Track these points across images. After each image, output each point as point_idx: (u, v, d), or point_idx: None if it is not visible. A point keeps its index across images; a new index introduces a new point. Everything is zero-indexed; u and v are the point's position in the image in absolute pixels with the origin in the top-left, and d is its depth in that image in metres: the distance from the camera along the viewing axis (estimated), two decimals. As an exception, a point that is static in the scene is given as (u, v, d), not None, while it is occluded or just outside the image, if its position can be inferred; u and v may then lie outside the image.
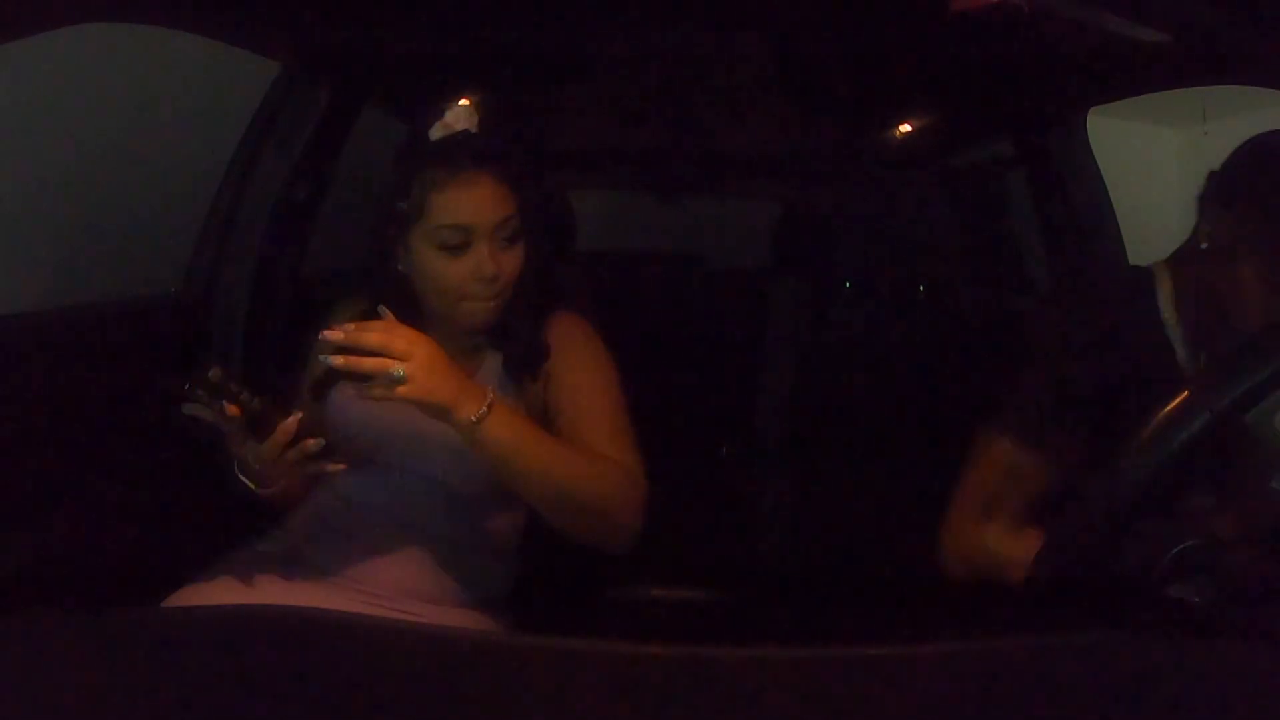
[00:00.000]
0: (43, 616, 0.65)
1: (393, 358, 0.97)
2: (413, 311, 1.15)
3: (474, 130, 1.14)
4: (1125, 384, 1.04)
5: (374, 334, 0.99)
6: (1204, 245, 1.04)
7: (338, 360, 0.98)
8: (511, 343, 1.19)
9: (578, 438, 1.13)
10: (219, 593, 1.15)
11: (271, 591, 1.15)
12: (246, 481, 1.12)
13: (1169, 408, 0.74)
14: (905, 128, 2.16)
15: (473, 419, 0.99)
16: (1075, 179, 1.67)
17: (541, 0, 1.35)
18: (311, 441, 1.03)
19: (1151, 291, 1.08)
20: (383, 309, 1.08)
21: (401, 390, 0.98)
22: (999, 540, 1.10)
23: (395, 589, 1.17)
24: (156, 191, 1.83)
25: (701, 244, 3.41)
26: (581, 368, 1.19)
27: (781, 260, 3.05)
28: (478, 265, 1.10)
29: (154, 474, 1.42)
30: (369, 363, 0.97)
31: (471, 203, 1.10)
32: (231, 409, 1.00)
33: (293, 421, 1.01)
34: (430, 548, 1.20)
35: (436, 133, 1.13)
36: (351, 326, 1.00)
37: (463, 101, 1.15)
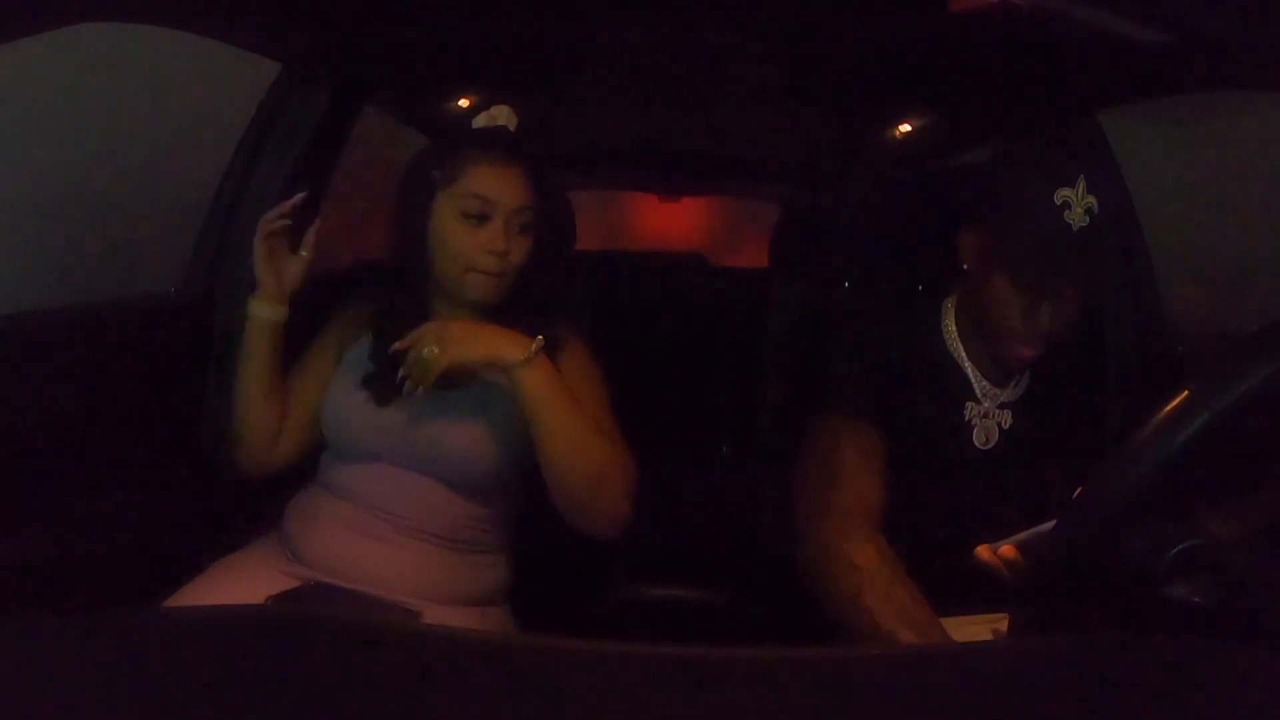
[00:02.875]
0: (43, 616, 0.65)
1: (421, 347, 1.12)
2: (422, 286, 1.25)
3: (512, 129, 1.27)
4: (912, 397, 1.20)
5: (405, 341, 1.14)
6: (965, 266, 1.20)
7: (404, 374, 1.13)
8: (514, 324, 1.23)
9: None
10: (219, 593, 1.15)
11: (271, 591, 1.16)
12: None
13: (1169, 408, 0.74)
14: (904, 128, 2.16)
15: (519, 359, 1.11)
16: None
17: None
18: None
19: (936, 321, 1.25)
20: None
21: (440, 362, 1.11)
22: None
23: (394, 587, 1.18)
24: (157, 191, 1.83)
25: (702, 244, 3.41)
26: (575, 373, 1.24)
27: (782, 260, 3.05)
28: (491, 238, 1.20)
29: (154, 474, 1.42)
30: (408, 361, 1.13)
31: (499, 182, 1.21)
32: None
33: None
34: (429, 545, 1.21)
35: (480, 122, 1.26)
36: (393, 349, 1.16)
37: (504, 106, 1.29)
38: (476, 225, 1.20)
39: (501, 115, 1.27)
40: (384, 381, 1.21)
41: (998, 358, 1.21)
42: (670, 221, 3.59)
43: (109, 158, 1.77)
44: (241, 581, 1.17)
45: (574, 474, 1.14)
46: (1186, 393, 0.73)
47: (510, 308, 1.26)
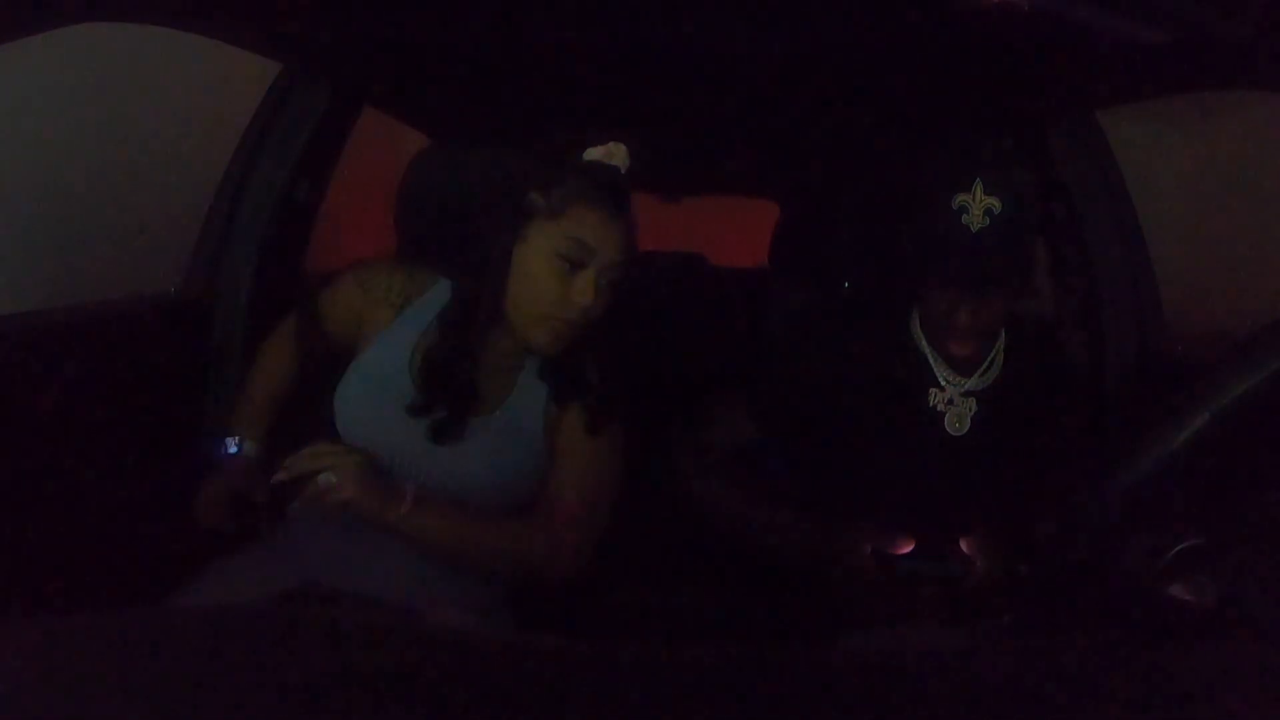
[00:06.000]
0: (43, 616, 0.65)
1: (325, 468, 1.10)
2: (490, 309, 1.17)
3: (624, 171, 1.17)
4: (884, 389, 1.30)
5: (308, 457, 1.11)
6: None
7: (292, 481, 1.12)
8: (561, 375, 1.22)
9: (547, 488, 1.21)
10: (219, 592, 1.15)
11: (272, 591, 1.15)
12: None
13: (1169, 408, 0.74)
14: (904, 127, 2.16)
15: (397, 516, 1.11)
16: (1084, 182, 1.67)
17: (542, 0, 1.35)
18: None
19: (904, 318, 1.33)
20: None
21: (341, 494, 1.09)
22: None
23: (396, 589, 1.18)
24: (156, 191, 1.83)
25: (702, 243, 3.41)
26: (586, 436, 1.22)
27: (780, 260, 3.05)
28: (581, 289, 1.11)
29: (154, 474, 1.42)
30: (310, 483, 1.10)
31: (611, 234, 1.13)
32: None
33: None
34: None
35: (593, 155, 1.16)
36: (290, 461, 1.12)
37: (619, 144, 1.18)
38: (569, 271, 1.11)
39: (618, 155, 1.17)
40: (441, 420, 1.17)
41: (942, 350, 1.29)
42: (670, 222, 3.59)
43: (109, 158, 1.77)
44: (242, 581, 1.17)
45: (487, 570, 1.21)
46: (1186, 393, 0.74)
47: (566, 363, 1.21)
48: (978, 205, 1.16)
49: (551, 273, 1.12)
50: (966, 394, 1.30)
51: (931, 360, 1.30)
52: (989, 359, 1.31)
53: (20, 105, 1.59)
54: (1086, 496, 0.79)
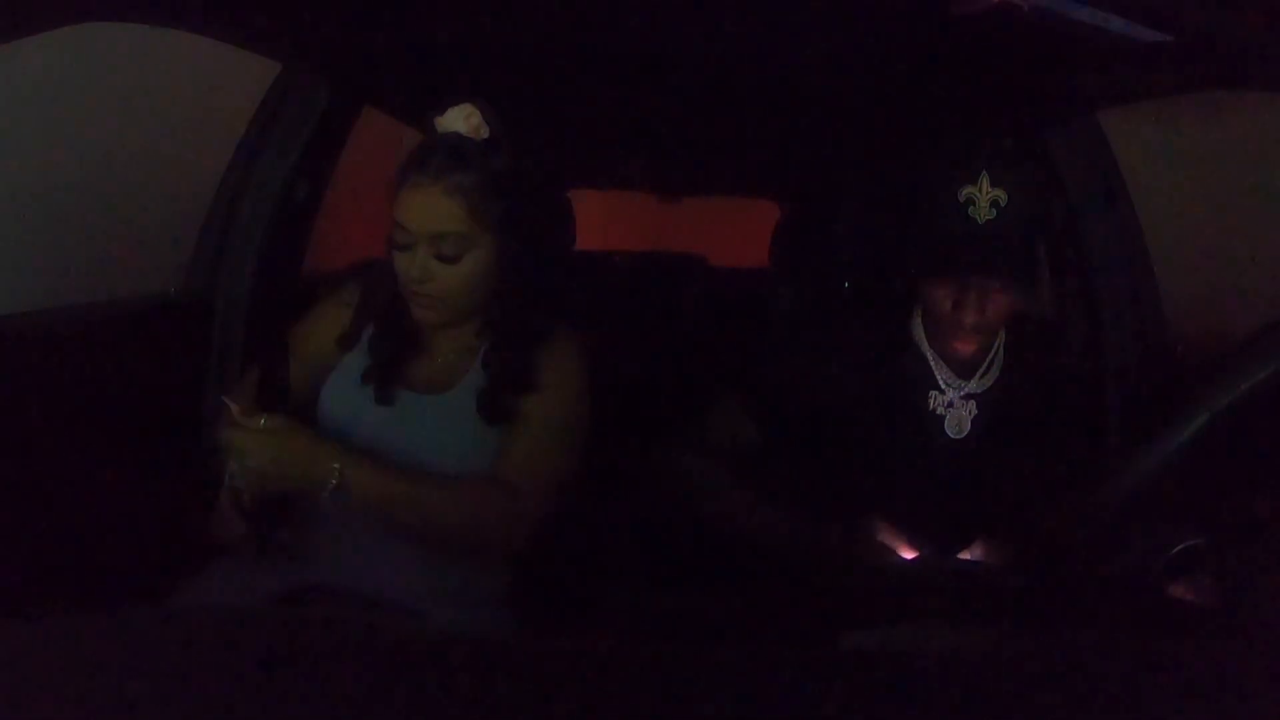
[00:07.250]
0: (43, 616, 0.65)
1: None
2: (384, 284, 1.20)
3: (468, 136, 1.14)
4: (884, 391, 1.29)
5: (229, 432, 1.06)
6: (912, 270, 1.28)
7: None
8: (494, 357, 1.22)
9: (504, 448, 1.18)
10: (219, 592, 1.15)
11: (271, 591, 1.16)
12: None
13: (1168, 408, 0.74)
14: (904, 129, 2.16)
15: (328, 484, 1.05)
16: (1084, 182, 1.67)
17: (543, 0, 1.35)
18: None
19: (905, 318, 1.32)
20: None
21: (250, 485, 1.05)
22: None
23: (396, 589, 1.18)
24: (157, 192, 1.83)
25: (702, 244, 3.41)
26: (547, 387, 1.21)
27: (780, 260, 3.05)
28: (407, 266, 1.13)
29: (154, 474, 1.42)
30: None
31: (414, 207, 1.12)
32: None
33: None
34: (428, 546, 1.21)
35: (441, 124, 1.16)
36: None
37: (467, 105, 1.14)
38: (403, 252, 1.13)
39: (457, 119, 1.13)
40: (383, 379, 1.20)
41: (943, 353, 1.28)
42: (670, 222, 3.59)
43: (109, 157, 1.77)
44: (242, 581, 1.17)
45: (432, 536, 1.15)
46: (1186, 393, 0.74)
47: (498, 317, 1.22)
48: (984, 197, 1.16)
49: (397, 259, 1.14)
50: (966, 396, 1.29)
51: (932, 362, 1.30)
52: (988, 360, 1.30)
53: (19, 105, 1.59)
54: (1087, 497, 0.79)
